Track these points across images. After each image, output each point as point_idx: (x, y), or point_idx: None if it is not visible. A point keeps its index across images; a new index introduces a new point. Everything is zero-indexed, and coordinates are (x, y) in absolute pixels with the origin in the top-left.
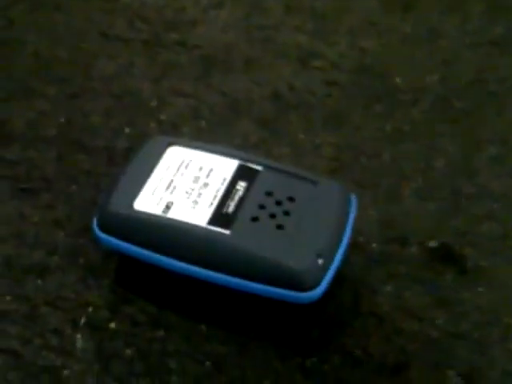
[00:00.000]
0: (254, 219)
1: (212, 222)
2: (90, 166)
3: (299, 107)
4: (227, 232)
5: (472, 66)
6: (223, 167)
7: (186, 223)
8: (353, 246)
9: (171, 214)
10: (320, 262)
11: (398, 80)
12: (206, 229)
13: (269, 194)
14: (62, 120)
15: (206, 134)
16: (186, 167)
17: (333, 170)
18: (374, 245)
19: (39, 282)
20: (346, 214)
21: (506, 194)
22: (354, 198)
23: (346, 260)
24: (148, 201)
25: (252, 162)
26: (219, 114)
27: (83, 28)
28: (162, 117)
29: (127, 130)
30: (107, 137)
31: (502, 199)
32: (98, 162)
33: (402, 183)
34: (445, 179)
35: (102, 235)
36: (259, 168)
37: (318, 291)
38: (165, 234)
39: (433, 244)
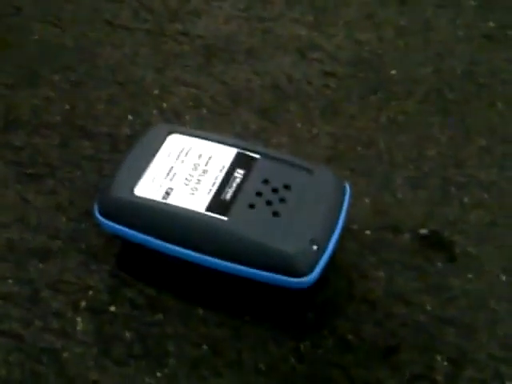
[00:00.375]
0: (251, 206)
1: (210, 208)
2: (93, 153)
3: (297, 97)
4: (225, 218)
5: (464, 58)
6: (222, 155)
7: (185, 209)
8: (346, 232)
9: (170, 200)
10: (314, 248)
11: (393, 72)
12: (204, 215)
13: (266, 181)
14: (67, 107)
15: (207, 123)
16: (186, 155)
17: (329, 159)
18: (367, 232)
19: (41, 265)
20: (340, 202)
21: (494, 183)
22: (348, 187)
23: (339, 246)
24: (148, 187)
25: (250, 150)
26: (220, 103)
27: (89, 17)
28: (165, 105)
29: (130, 118)
30: (110, 124)
31: (490, 188)
32: (100, 149)
33: (395, 172)
34: (436, 168)
35: (103, 220)
36: (257, 156)
37: (312, 277)
38: (164, 219)
39: (424, 231)
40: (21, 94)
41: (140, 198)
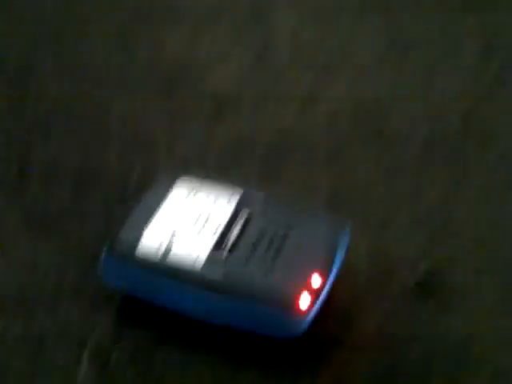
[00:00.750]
0: (246, 262)
1: (205, 268)
2: (103, 203)
3: (302, 145)
4: (219, 278)
5: (460, 110)
6: (221, 211)
7: (182, 269)
8: (342, 275)
9: (169, 260)
10: (305, 305)
11: (393, 120)
12: (200, 275)
13: (263, 234)
14: (79, 156)
15: (213, 172)
16: (186, 211)
17: (330, 205)
18: (361, 276)
19: (46, 315)
20: (335, 250)
21: (490, 226)
22: (347, 231)
23: (332, 291)
24: (148, 247)
25: (247, 206)
26: (227, 152)
27: (103, 68)
28: (174, 154)
29: (139, 168)
30: (121, 175)
31: (484, 232)
32: (111, 199)
33: (392, 216)
34: (431, 213)
35: (107, 278)
36: (254, 211)
37: (302, 330)
38: (162, 279)
39: (418, 276)
40: (35, 143)
41: (140, 259)
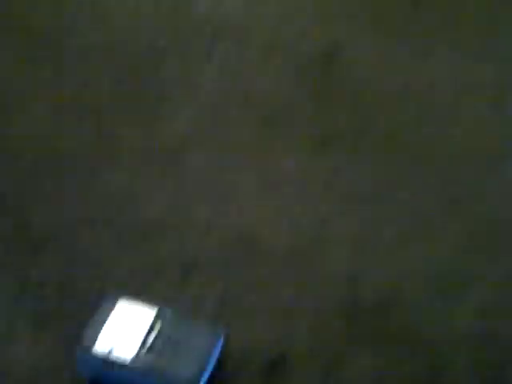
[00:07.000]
0: (158, 355)
1: (132, 360)
2: (77, 309)
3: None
4: (140, 365)
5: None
6: (143, 324)
7: (120, 360)
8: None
9: (113, 355)
10: None
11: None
12: (130, 365)
13: (169, 337)
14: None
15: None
16: (123, 324)
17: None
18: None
19: None
20: (213, 349)
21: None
22: (221, 336)
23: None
24: (101, 346)
25: (161, 317)
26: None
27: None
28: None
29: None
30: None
31: (411, 276)
32: (81, 307)
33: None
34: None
35: (80, 370)
36: (164, 319)
37: None
38: (107, 368)
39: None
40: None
41: (95, 353)
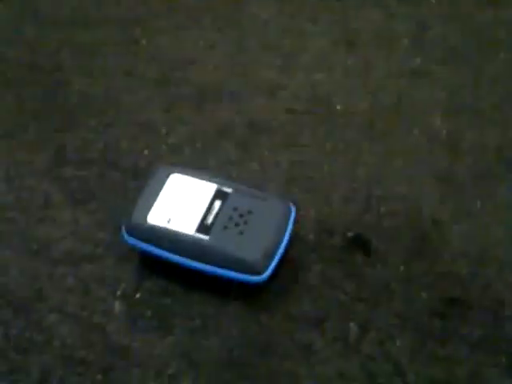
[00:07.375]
0: (225, 228)
1: (197, 230)
2: (121, 181)
3: (266, 131)
4: (207, 238)
5: (393, 93)
6: (205, 191)
7: (180, 232)
8: (295, 237)
9: (171, 225)
10: (266, 256)
11: (338, 107)
12: (193, 236)
13: (235, 209)
14: (101, 145)
15: (200, 154)
16: (181, 191)
17: (287, 180)
18: (310, 236)
19: (90, 266)
20: (287, 222)
21: (405, 197)
22: (293, 209)
23: (289, 249)
24: (156, 216)
25: (225, 185)
26: (210, 138)
27: (112, 69)
28: (170, 141)
29: (146, 152)
30: (133, 158)
31: (403, 200)
32: (127, 178)
33: (334, 190)
34: (363, 186)
35: (128, 238)
36: (229, 190)
37: (265, 275)
38: (167, 239)
39: (350, 234)
40: (66, 136)
41: (150, 224)
